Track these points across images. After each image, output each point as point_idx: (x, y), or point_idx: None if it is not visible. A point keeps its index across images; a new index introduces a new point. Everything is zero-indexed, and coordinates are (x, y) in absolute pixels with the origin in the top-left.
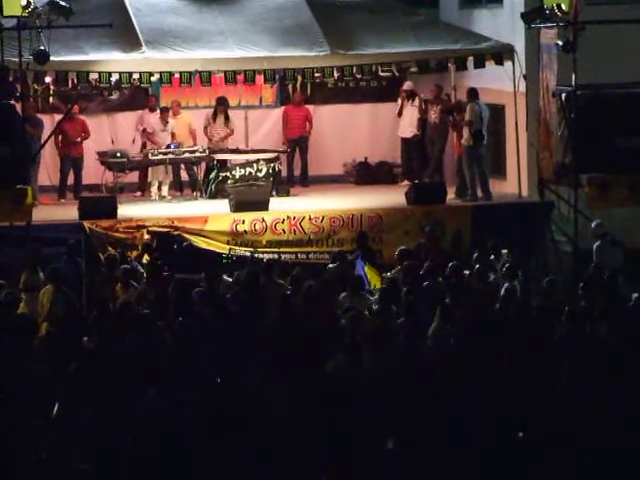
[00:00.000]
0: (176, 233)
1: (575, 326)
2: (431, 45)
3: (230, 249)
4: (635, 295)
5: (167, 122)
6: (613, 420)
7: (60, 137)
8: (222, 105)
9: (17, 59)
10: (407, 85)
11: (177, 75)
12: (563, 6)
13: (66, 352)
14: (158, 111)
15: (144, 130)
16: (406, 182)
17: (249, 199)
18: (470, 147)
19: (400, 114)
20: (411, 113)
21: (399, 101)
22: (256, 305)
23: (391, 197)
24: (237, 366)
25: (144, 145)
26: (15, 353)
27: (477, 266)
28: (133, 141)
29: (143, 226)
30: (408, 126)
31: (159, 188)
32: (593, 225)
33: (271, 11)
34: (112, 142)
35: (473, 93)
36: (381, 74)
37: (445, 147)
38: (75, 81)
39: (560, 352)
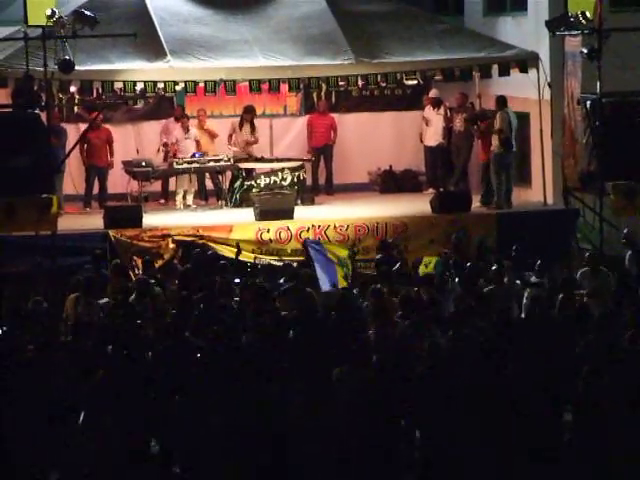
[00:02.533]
0: (201, 242)
1: (602, 334)
2: (456, 53)
3: (255, 257)
4: None
5: (188, 130)
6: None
7: (85, 146)
8: (249, 114)
9: (42, 68)
10: (433, 93)
11: (202, 84)
12: (587, 14)
13: (91, 360)
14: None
15: (165, 144)
16: (431, 190)
17: (274, 208)
18: (499, 155)
19: (428, 122)
20: (436, 121)
21: (426, 109)
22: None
23: (416, 205)
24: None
25: (173, 154)
26: (40, 362)
27: (493, 268)
28: (158, 150)
29: (168, 235)
30: (433, 134)
31: (184, 197)
32: (625, 233)
33: (296, 20)
34: (137, 151)
35: (502, 101)
36: (406, 82)
37: (470, 155)
38: (100, 90)
39: (583, 360)
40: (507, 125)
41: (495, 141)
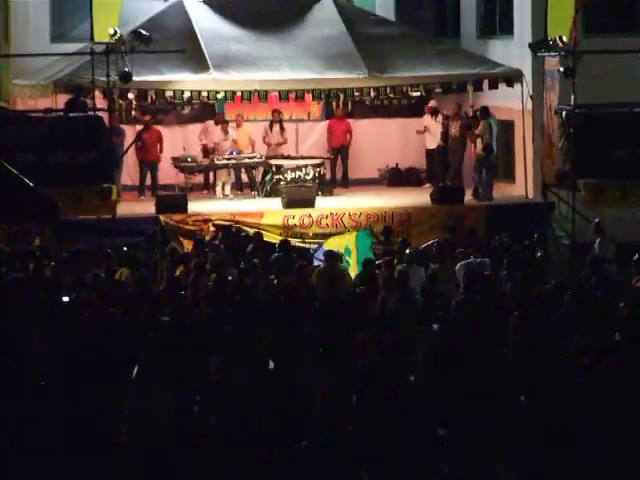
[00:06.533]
0: (237, 226)
1: (577, 307)
2: (453, 69)
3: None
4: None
5: (227, 132)
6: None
7: (139, 144)
8: (277, 114)
9: (105, 78)
10: (432, 103)
11: (239, 93)
12: (564, 38)
13: (141, 327)
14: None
15: (204, 145)
16: (428, 185)
17: (298, 198)
18: (482, 157)
19: (425, 130)
20: (435, 128)
21: (425, 117)
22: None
23: (418, 197)
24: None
25: (207, 151)
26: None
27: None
28: (201, 149)
29: (209, 220)
30: (433, 139)
31: (223, 188)
32: (595, 223)
33: (319, 40)
34: (184, 149)
35: (485, 111)
36: (410, 94)
37: (464, 156)
38: (153, 97)
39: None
40: (489, 132)
41: (479, 145)
